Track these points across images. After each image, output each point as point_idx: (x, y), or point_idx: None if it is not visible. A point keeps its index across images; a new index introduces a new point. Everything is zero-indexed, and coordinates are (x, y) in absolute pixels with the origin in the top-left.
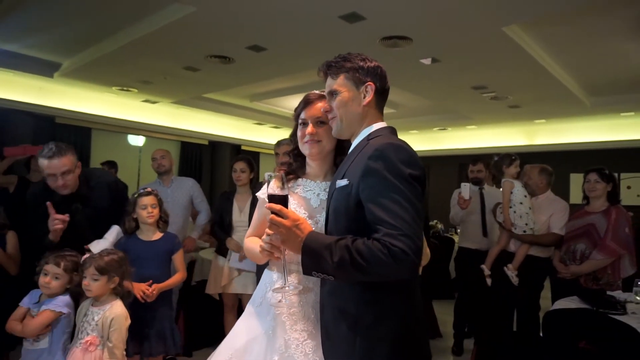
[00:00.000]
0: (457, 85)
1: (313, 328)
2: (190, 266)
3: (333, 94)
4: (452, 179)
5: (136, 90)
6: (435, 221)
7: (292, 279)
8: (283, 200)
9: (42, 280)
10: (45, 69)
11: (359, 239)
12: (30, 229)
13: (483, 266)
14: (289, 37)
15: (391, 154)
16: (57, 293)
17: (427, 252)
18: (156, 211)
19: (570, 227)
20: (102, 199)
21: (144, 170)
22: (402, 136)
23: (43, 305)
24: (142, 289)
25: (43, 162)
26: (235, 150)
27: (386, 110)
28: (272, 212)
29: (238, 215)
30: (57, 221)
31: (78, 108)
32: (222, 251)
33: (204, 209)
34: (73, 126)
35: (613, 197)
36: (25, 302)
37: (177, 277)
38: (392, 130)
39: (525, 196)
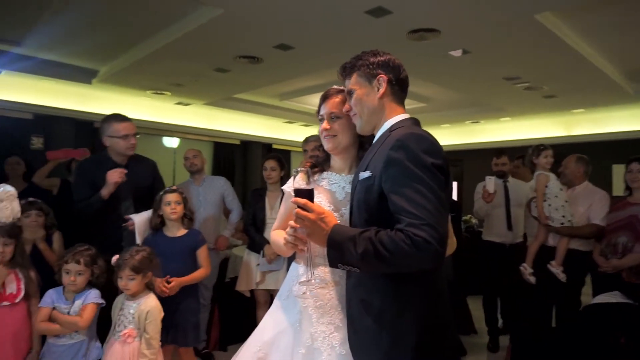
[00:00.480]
0: (488, 77)
1: (340, 321)
2: (224, 263)
3: (350, 93)
4: (487, 172)
5: (169, 93)
6: (469, 216)
7: (319, 272)
8: (308, 194)
9: (67, 279)
10: (84, 76)
11: (382, 231)
12: (78, 195)
13: (524, 265)
14: (315, 34)
15: (412, 144)
16: (82, 288)
17: (453, 241)
18: (180, 208)
19: (611, 219)
20: (146, 177)
21: (179, 171)
22: (433, 130)
23: (76, 300)
24: (160, 287)
25: (118, 125)
26: (266, 149)
27: (417, 104)
28: (298, 206)
29: (269, 212)
30: (117, 174)
31: (115, 112)
32: (254, 248)
33: (236, 207)
34: None
35: None
36: (48, 302)
37: (199, 272)
38: (414, 121)
39: (561, 189)
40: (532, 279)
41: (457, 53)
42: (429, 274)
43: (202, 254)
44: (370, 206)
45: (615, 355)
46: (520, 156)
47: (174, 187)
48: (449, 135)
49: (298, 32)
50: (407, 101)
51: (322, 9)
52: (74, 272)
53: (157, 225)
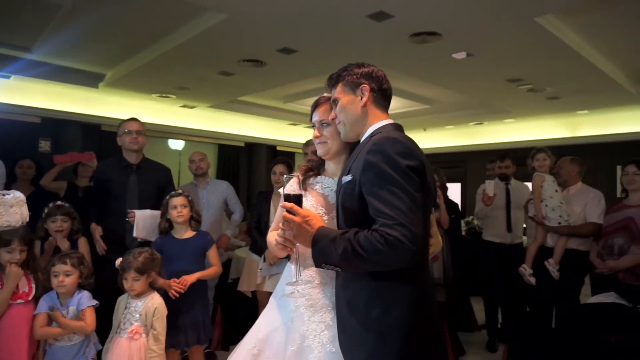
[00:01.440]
0: (491, 79)
1: (330, 320)
2: (227, 264)
3: (335, 101)
4: (494, 173)
5: (174, 97)
6: (471, 217)
7: (308, 272)
8: (297, 199)
9: (56, 281)
10: (91, 80)
11: (361, 231)
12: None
13: (524, 266)
14: (318, 38)
15: (387, 147)
16: (73, 290)
17: (437, 240)
18: (186, 211)
19: (608, 220)
20: (156, 181)
21: (184, 173)
22: (437, 132)
23: (70, 305)
24: (171, 284)
25: (125, 123)
26: (271, 151)
27: (420, 106)
28: (286, 210)
29: (274, 215)
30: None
31: (121, 115)
32: (256, 250)
33: (238, 209)
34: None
35: None
36: (44, 308)
37: (212, 270)
38: (395, 126)
39: (557, 190)
40: (533, 280)
41: (461, 55)
42: (413, 273)
43: (212, 253)
44: (352, 208)
45: (605, 355)
46: (492, 161)
47: (180, 191)
48: (453, 137)
49: (301, 36)
50: (410, 103)
51: (324, 13)
52: (61, 273)
53: (166, 229)
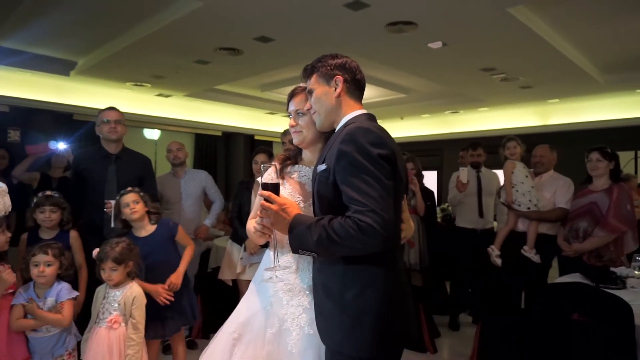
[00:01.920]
0: (465, 69)
1: (308, 303)
2: (206, 254)
3: (310, 92)
4: (466, 161)
5: (149, 85)
6: (447, 204)
7: (286, 258)
8: (274, 187)
9: (36, 271)
10: (62, 68)
11: (335, 218)
12: (74, 185)
13: (492, 247)
14: (295, 27)
15: (360, 137)
16: (52, 281)
17: (410, 225)
18: (139, 206)
19: (573, 205)
20: (135, 169)
21: (160, 163)
22: (413, 120)
23: (48, 297)
24: (160, 292)
25: (103, 113)
26: (249, 140)
27: (397, 95)
28: (264, 199)
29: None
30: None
31: (94, 104)
32: (237, 239)
33: (218, 198)
34: (90, 122)
35: (615, 175)
36: (20, 300)
37: (188, 252)
38: (368, 117)
39: (527, 176)
40: (499, 261)
41: (436, 45)
42: (385, 258)
43: (180, 236)
44: (327, 196)
45: (568, 331)
46: (464, 149)
47: (130, 188)
48: (429, 125)
49: (278, 24)
50: (387, 92)
51: (301, 2)
52: (42, 263)
53: (123, 230)
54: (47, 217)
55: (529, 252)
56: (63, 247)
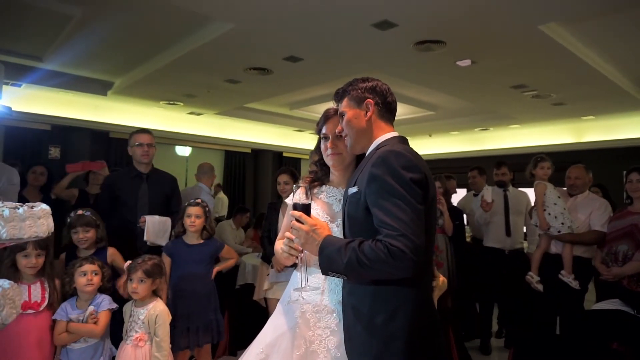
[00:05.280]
0: (495, 86)
1: (335, 325)
2: (234, 270)
3: (342, 115)
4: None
5: (182, 104)
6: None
7: (314, 279)
8: (305, 208)
9: (84, 280)
10: (100, 88)
11: (366, 241)
12: (100, 206)
13: (530, 273)
14: (323, 47)
15: (392, 160)
16: (96, 291)
17: (441, 282)
18: (199, 222)
19: (612, 227)
20: (164, 187)
21: (190, 179)
22: (442, 138)
23: (90, 308)
24: None
25: (136, 135)
26: (277, 158)
27: (425, 112)
28: (295, 219)
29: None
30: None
31: (130, 123)
32: (266, 259)
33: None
34: (126, 140)
35: None
36: (63, 315)
37: (230, 261)
38: (400, 140)
39: (559, 197)
40: (540, 287)
41: (465, 63)
42: (416, 281)
43: (225, 252)
44: (358, 219)
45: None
46: (475, 167)
47: (199, 200)
48: (458, 143)
49: (307, 45)
50: (415, 109)
51: (330, 23)
52: (90, 272)
53: (180, 233)
54: (82, 237)
55: (567, 277)
56: (102, 261)
